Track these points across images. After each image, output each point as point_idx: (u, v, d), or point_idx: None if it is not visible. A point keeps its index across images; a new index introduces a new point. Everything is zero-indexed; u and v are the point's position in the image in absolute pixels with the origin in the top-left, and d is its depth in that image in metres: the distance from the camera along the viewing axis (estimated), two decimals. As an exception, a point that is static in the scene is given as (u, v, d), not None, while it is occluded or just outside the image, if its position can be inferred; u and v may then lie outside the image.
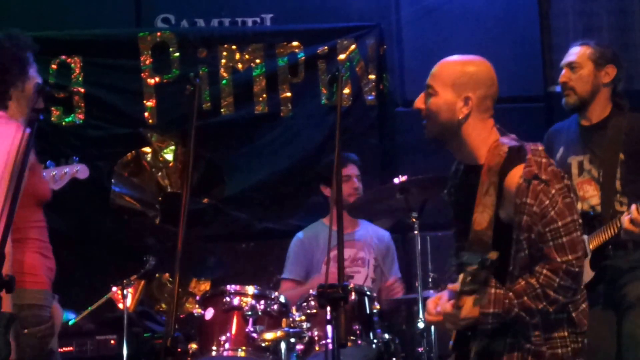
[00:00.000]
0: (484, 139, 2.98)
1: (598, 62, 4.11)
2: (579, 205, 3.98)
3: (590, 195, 4.01)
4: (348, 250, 5.12)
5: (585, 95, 4.09)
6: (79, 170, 4.79)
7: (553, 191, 2.83)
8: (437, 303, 3.04)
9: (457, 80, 2.95)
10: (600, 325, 3.90)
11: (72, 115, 5.95)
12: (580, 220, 2.91)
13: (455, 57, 3.05)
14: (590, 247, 3.90)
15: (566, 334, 2.90)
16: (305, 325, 4.16)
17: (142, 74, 6.02)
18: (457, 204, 3.10)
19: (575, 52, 4.16)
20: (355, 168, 5.19)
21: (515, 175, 2.86)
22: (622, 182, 3.96)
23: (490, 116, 3.01)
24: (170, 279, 5.80)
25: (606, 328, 3.95)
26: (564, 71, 4.15)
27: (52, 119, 5.89)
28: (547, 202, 2.81)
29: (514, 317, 2.84)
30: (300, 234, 5.36)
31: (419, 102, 3.03)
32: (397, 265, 5.37)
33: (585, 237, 3.86)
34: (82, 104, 5.96)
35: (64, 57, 5.97)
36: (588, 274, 3.87)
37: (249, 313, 4.15)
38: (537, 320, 2.87)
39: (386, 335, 4.31)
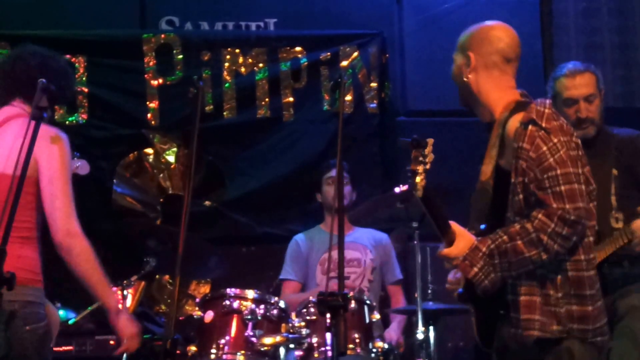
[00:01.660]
0: (501, 96, 3.07)
1: (600, 87, 4.07)
2: None
3: None
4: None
5: (601, 124, 4.03)
6: (80, 166, 4.81)
7: (555, 140, 2.84)
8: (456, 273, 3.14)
9: (462, 45, 3.16)
10: None
11: (75, 114, 5.98)
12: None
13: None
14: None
15: (560, 294, 2.86)
16: (304, 331, 4.17)
17: (146, 75, 6.04)
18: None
19: (588, 83, 4.03)
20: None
21: (515, 121, 2.93)
22: (617, 198, 3.94)
23: (504, 73, 3.09)
24: (170, 281, 5.82)
25: None
26: (581, 104, 3.99)
27: (56, 117, 5.90)
28: (545, 148, 2.83)
29: (507, 262, 2.83)
30: (296, 237, 5.42)
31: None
32: (399, 268, 5.40)
33: None
34: (86, 104, 5.98)
35: (68, 56, 5.96)
36: None
37: (249, 317, 4.16)
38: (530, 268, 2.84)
39: (385, 345, 4.34)
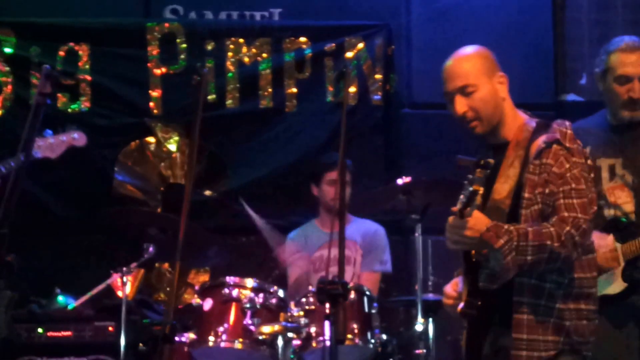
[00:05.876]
0: (514, 116, 3.10)
1: None
2: (610, 212, 3.78)
3: (624, 201, 3.77)
4: (332, 249, 5.04)
5: None
6: (76, 138, 4.78)
7: (575, 159, 2.96)
8: (455, 287, 3.12)
9: (485, 67, 3.06)
10: (629, 337, 3.73)
11: (78, 102, 5.98)
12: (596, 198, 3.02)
13: (464, 51, 3.14)
14: (623, 257, 3.69)
15: (566, 308, 2.94)
16: (303, 320, 4.17)
17: (149, 64, 6.04)
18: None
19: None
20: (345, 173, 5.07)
21: (539, 141, 2.98)
22: None
23: None
24: (170, 269, 5.82)
25: (633, 341, 3.74)
26: (636, 83, 3.73)
27: (58, 105, 5.92)
28: (568, 165, 2.94)
29: (526, 246, 2.83)
30: (290, 235, 5.36)
31: (461, 107, 3.04)
32: (389, 259, 5.20)
33: (618, 245, 3.72)
34: (88, 92, 5.98)
35: (71, 44, 5.99)
36: (619, 285, 3.70)
37: (247, 305, 4.16)
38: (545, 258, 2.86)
39: (384, 336, 4.32)
